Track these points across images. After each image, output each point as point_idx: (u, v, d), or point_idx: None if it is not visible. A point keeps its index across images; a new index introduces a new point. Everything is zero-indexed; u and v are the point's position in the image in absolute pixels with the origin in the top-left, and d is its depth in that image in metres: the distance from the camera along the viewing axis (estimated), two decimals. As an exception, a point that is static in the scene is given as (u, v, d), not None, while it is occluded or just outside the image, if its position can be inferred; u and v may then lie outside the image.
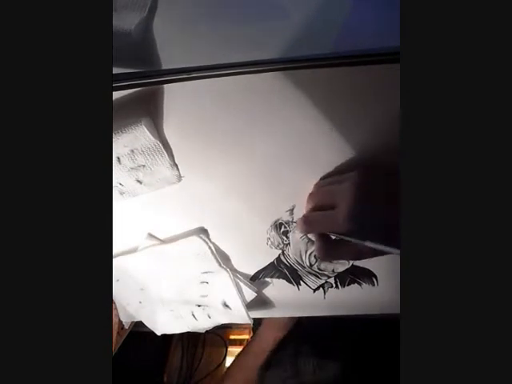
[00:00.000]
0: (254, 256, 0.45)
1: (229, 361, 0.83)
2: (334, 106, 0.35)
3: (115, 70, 0.34)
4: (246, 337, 0.89)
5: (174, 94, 0.35)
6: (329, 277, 0.45)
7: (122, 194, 0.40)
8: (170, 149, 0.38)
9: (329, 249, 0.35)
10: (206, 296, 0.48)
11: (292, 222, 0.42)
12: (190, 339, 0.60)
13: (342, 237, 0.34)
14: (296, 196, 0.40)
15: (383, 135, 0.35)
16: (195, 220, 0.43)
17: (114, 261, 0.47)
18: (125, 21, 0.31)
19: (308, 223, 0.36)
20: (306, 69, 0.33)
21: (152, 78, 0.34)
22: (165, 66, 0.34)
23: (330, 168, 0.38)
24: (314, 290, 0.46)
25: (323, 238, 0.36)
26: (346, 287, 0.46)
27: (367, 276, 0.44)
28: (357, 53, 0.32)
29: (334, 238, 0.35)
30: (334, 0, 0.30)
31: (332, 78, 0.33)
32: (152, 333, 0.54)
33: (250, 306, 0.49)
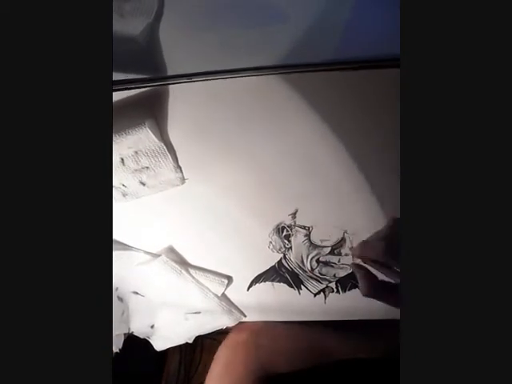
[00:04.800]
0: (256, 259, 0.45)
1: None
2: (333, 110, 0.35)
3: (121, 76, 0.34)
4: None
5: (178, 97, 0.35)
6: (330, 281, 0.45)
7: (124, 195, 0.40)
8: (174, 151, 0.38)
9: (373, 287, 0.35)
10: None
11: (294, 225, 0.42)
12: (188, 344, 0.59)
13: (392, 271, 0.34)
14: (298, 200, 0.40)
15: (383, 138, 0.36)
16: (197, 223, 0.43)
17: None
18: (131, 26, 0.32)
19: (368, 248, 0.37)
20: (308, 72, 0.33)
21: (155, 82, 0.35)
22: (168, 71, 0.34)
23: (329, 170, 0.38)
24: (315, 295, 0.46)
25: (370, 276, 0.36)
26: (347, 292, 0.46)
27: (368, 281, 0.44)
28: (357, 59, 0.33)
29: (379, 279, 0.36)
30: (335, 8, 0.31)
31: (331, 82, 0.34)
32: (150, 337, 0.53)
33: (249, 309, 0.48)
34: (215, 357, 0.52)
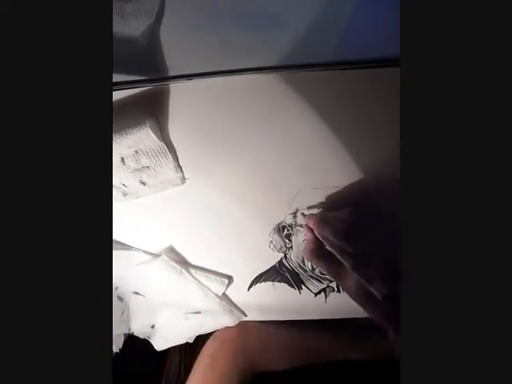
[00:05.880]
0: (256, 259, 0.45)
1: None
2: (333, 109, 0.35)
3: (121, 77, 0.34)
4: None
5: (179, 96, 0.35)
6: (330, 281, 0.45)
7: (125, 195, 0.40)
8: (175, 151, 0.38)
9: (317, 251, 0.36)
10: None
11: (295, 225, 0.42)
12: (188, 344, 0.59)
13: (339, 244, 0.34)
14: (299, 199, 0.40)
15: (383, 138, 0.36)
16: (197, 222, 0.43)
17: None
18: (132, 27, 0.32)
19: (321, 222, 0.36)
20: (308, 72, 0.33)
21: (156, 82, 0.35)
22: (169, 72, 0.34)
23: (330, 170, 0.38)
24: (316, 294, 0.46)
25: (317, 241, 0.37)
26: (347, 291, 0.46)
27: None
28: (357, 59, 0.33)
29: (327, 247, 0.36)
30: (335, 8, 0.31)
31: (331, 82, 0.34)
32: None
33: (250, 309, 0.48)
34: (202, 350, 0.52)
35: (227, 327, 0.51)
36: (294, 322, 0.49)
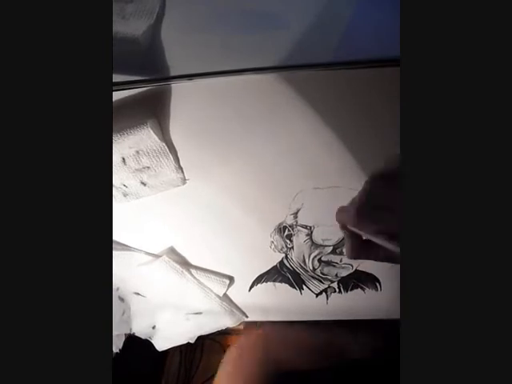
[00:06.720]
0: (257, 260, 0.45)
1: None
2: (333, 109, 0.35)
3: (122, 77, 0.34)
4: (245, 343, 0.88)
5: (180, 97, 0.35)
6: (332, 281, 0.45)
7: (125, 195, 0.40)
8: (176, 151, 0.38)
9: (358, 248, 0.33)
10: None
11: (296, 225, 0.42)
12: (188, 345, 0.60)
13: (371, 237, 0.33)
14: (300, 199, 0.40)
15: (383, 138, 0.36)
16: (198, 223, 0.43)
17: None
18: (133, 28, 0.32)
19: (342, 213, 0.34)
20: (308, 72, 0.33)
21: (157, 83, 0.35)
22: (170, 72, 0.34)
23: (330, 170, 0.38)
24: (317, 295, 0.46)
25: (354, 236, 0.34)
26: (349, 292, 0.45)
27: (371, 281, 0.44)
28: (357, 59, 0.33)
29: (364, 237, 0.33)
30: (335, 8, 0.31)
31: (332, 82, 0.34)
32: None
33: (251, 310, 0.48)
34: (222, 361, 0.52)
35: (248, 334, 0.51)
36: (317, 322, 0.49)
